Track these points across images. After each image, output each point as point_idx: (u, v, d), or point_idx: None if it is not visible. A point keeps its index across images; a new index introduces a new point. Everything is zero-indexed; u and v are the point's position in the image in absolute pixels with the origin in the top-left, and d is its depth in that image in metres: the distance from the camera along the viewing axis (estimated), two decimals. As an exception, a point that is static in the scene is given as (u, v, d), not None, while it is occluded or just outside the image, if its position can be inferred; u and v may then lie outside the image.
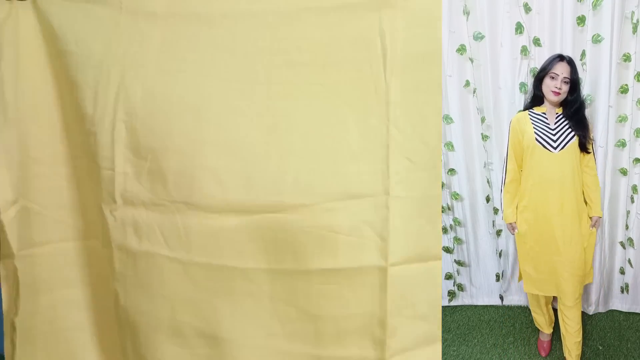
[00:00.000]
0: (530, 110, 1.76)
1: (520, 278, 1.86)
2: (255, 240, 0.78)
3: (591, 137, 1.71)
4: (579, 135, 1.66)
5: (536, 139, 1.67)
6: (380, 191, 0.77)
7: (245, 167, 0.79)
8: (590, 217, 1.73)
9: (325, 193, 0.78)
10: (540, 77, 1.70)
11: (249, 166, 0.79)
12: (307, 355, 0.78)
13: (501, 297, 2.27)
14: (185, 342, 0.80)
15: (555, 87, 1.65)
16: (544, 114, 1.73)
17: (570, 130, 1.68)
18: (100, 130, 0.81)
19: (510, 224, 1.77)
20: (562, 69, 1.65)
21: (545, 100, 1.73)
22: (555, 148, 1.67)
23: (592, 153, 1.71)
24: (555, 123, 1.71)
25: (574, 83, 1.68)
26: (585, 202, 1.75)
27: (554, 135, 1.68)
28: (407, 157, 0.79)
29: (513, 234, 1.79)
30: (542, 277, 1.74)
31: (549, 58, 1.70)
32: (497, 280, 2.25)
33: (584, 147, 1.68)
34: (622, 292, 2.14)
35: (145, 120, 0.80)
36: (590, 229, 1.72)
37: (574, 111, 1.69)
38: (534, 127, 1.70)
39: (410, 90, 0.82)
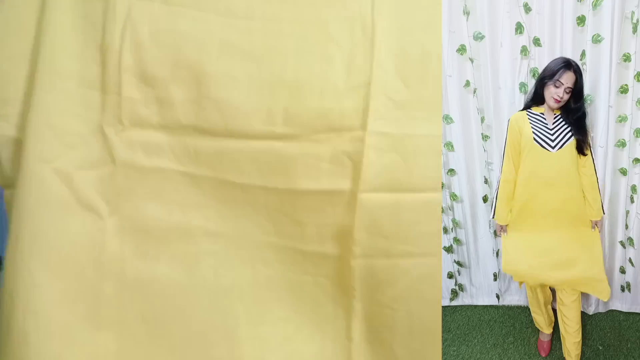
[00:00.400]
0: (529, 110, 1.76)
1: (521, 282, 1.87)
2: (252, 162, 0.91)
3: (589, 141, 1.71)
4: (578, 140, 1.67)
5: (534, 139, 1.68)
6: (358, 126, 0.89)
7: (241, 99, 0.90)
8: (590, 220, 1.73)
9: (311, 125, 0.90)
10: (544, 81, 1.69)
11: (245, 98, 0.90)
12: (294, 249, 0.94)
13: (497, 296, 2.27)
14: (194, 240, 0.93)
15: (557, 95, 1.65)
16: (542, 114, 1.73)
17: (568, 130, 1.68)
18: (108, 59, 0.89)
19: (501, 226, 1.77)
20: (567, 79, 1.64)
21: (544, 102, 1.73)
22: (553, 147, 1.67)
23: (589, 155, 1.71)
24: (554, 123, 1.71)
25: (578, 92, 1.67)
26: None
27: (552, 134, 1.68)
28: (388, 96, 0.89)
29: (499, 236, 1.79)
30: (528, 263, 1.71)
31: (556, 63, 1.68)
32: (495, 279, 2.26)
33: (580, 150, 1.68)
34: (623, 291, 2.15)
35: (152, 52, 0.89)
36: (592, 230, 1.72)
37: (577, 119, 1.69)
38: (532, 127, 1.70)
39: (395, 31, 0.90)
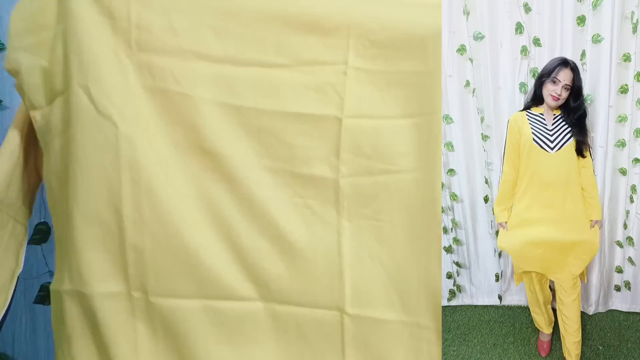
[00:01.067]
0: (528, 110, 1.76)
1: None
2: (246, 85, 1.01)
3: (589, 143, 1.71)
4: (577, 141, 1.67)
5: (533, 139, 1.68)
6: (341, 61, 1.01)
7: (238, 28, 1.01)
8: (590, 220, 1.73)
9: (301, 58, 1.01)
10: (542, 80, 1.70)
11: (241, 27, 1.01)
12: (285, 171, 1.03)
13: (500, 297, 2.27)
14: (196, 158, 1.02)
15: (555, 92, 1.66)
16: (542, 114, 1.74)
17: (567, 130, 1.69)
18: None
19: (500, 223, 1.78)
20: (564, 76, 1.65)
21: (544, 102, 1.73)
22: (552, 148, 1.67)
23: (588, 156, 1.72)
24: (553, 124, 1.71)
25: (577, 90, 1.68)
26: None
27: (551, 135, 1.69)
28: (367, 38, 1.01)
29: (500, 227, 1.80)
30: (526, 254, 1.73)
31: (553, 62, 1.69)
32: (497, 280, 2.26)
33: (580, 152, 1.68)
34: (620, 290, 2.15)
35: None
36: (591, 228, 1.72)
37: (577, 118, 1.69)
38: (532, 128, 1.70)
39: None
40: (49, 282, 1.56)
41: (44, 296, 1.58)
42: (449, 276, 2.29)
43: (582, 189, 1.72)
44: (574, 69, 1.67)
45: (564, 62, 1.67)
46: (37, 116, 1.08)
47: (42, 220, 1.58)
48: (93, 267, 1.03)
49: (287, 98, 1.01)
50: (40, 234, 1.57)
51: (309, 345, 1.05)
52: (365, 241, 1.04)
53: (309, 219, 1.04)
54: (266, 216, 1.03)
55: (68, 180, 1.03)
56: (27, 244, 1.55)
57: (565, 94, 1.67)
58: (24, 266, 1.59)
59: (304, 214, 1.04)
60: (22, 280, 1.57)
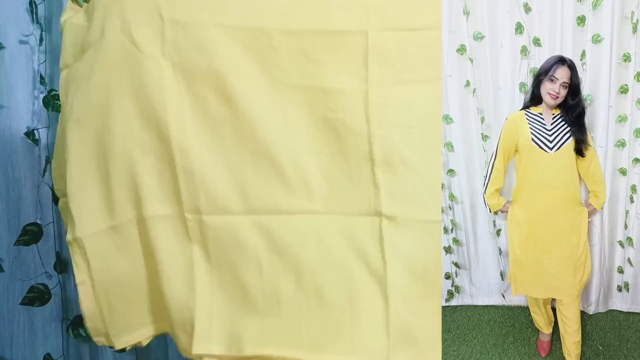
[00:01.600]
0: (527, 110, 1.76)
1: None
2: (273, 12, 1.08)
3: (589, 141, 1.71)
4: (577, 140, 1.67)
5: (532, 139, 1.68)
6: None
7: None
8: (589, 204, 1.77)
9: None
10: (540, 78, 1.70)
11: None
12: (315, 87, 1.08)
13: (503, 296, 2.27)
14: (230, 82, 1.08)
15: (553, 90, 1.65)
16: (541, 114, 1.73)
17: (566, 130, 1.68)
18: None
19: (504, 205, 1.80)
20: (562, 73, 1.65)
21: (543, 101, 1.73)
22: (551, 149, 1.67)
23: (593, 152, 1.73)
24: (552, 124, 1.71)
25: (575, 87, 1.68)
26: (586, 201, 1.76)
27: (550, 135, 1.68)
28: None
29: (505, 212, 1.81)
30: (529, 279, 1.74)
31: (550, 60, 1.69)
32: (502, 279, 2.25)
33: (579, 152, 1.68)
34: (621, 290, 2.15)
35: None
36: (583, 205, 1.75)
37: (576, 116, 1.69)
38: (531, 128, 1.70)
39: None
40: (41, 284, 1.55)
41: (32, 298, 1.54)
42: (448, 277, 2.28)
43: (591, 182, 1.73)
44: (571, 67, 1.67)
45: (561, 60, 1.66)
46: (62, 75, 1.16)
47: (37, 220, 1.56)
48: (151, 191, 1.11)
49: (314, 18, 1.07)
50: (30, 235, 1.54)
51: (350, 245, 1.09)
52: (397, 148, 1.08)
53: (341, 131, 1.09)
54: (301, 133, 1.09)
55: (108, 119, 1.11)
56: (15, 244, 1.53)
57: (563, 92, 1.67)
58: (21, 268, 1.57)
59: (336, 127, 1.09)
60: (19, 282, 1.55)
